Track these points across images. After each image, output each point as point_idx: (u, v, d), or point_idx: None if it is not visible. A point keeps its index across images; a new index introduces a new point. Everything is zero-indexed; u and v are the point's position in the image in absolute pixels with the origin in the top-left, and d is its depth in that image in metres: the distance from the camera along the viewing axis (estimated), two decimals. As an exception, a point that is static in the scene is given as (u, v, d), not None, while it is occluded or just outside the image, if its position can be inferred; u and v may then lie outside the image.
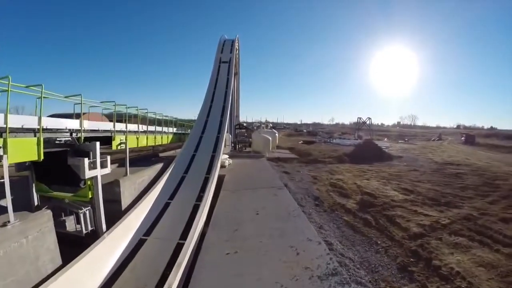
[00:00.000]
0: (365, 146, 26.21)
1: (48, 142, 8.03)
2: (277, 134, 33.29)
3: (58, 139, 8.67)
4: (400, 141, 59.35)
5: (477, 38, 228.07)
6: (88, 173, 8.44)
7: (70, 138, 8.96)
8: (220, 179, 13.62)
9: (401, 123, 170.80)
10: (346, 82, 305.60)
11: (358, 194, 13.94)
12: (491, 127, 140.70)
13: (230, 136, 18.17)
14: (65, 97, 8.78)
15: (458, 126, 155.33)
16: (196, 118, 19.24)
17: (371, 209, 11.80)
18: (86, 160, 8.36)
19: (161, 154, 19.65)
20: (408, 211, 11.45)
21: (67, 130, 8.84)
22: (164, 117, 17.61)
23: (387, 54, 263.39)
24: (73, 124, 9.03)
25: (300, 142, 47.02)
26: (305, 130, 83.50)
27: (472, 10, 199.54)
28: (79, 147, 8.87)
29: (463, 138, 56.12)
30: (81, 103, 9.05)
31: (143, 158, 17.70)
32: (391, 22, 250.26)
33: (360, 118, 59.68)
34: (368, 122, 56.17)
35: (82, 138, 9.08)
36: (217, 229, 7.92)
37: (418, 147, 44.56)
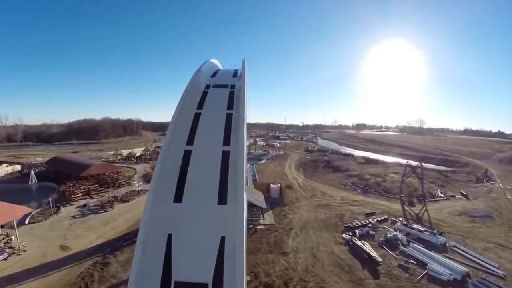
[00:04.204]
0: None
1: None
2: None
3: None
4: (458, 197, 37.58)
5: (479, 37, 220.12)
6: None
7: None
8: None
9: (408, 126, 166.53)
10: (348, 83, 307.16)
11: None
12: (499, 131, 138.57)
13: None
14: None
15: (465, 130, 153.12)
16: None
17: None
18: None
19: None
20: None
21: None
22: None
23: (390, 56, 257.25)
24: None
25: (343, 240, 19.59)
26: (316, 148, 73.22)
27: (481, 7, 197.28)
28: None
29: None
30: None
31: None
32: (391, 21, 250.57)
33: (408, 163, 48.84)
34: (419, 171, 43.50)
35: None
36: None
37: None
